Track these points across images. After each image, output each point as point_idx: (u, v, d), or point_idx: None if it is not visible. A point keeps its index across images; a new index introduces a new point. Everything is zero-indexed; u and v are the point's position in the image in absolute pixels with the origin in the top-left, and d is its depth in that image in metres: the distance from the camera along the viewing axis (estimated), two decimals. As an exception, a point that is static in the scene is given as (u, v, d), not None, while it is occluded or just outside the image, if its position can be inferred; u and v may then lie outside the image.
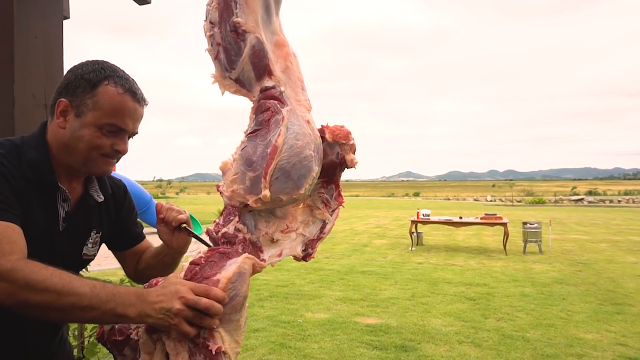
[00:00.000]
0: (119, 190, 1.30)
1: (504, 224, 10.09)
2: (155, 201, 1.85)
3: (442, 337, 4.51)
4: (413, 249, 10.69)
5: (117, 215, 1.29)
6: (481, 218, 10.72)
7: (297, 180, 1.00)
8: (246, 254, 1.01)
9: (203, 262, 0.98)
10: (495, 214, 10.84)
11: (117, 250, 1.34)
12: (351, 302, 5.86)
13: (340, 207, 1.16)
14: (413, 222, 10.89)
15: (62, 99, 1.07)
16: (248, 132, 1.04)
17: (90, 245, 1.20)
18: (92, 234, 1.20)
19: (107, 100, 1.05)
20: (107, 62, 1.11)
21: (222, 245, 1.07)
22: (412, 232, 10.93)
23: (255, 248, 1.06)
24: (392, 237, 13.28)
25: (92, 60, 1.11)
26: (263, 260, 1.05)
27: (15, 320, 1.04)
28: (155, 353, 0.97)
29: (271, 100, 1.02)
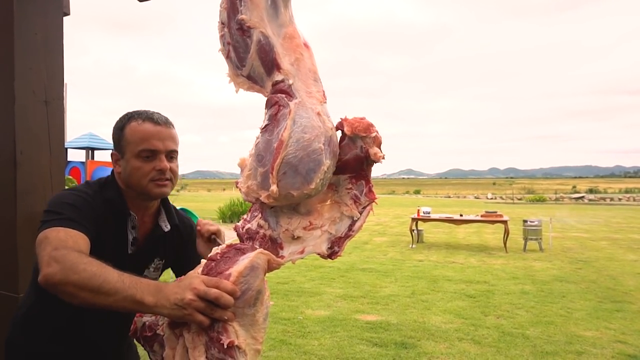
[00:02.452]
0: (186, 226, 1.45)
1: (505, 222, 10.08)
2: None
3: (442, 334, 4.52)
4: (413, 246, 10.69)
5: (182, 248, 1.42)
6: (482, 216, 10.71)
7: (306, 174, 0.98)
8: (260, 249, 1.01)
9: (219, 257, 1.00)
10: (496, 212, 10.84)
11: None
12: (351, 299, 5.87)
13: (373, 204, 1.10)
14: (413, 219, 10.89)
15: (112, 152, 1.32)
16: (261, 127, 1.04)
17: (152, 270, 1.38)
18: (155, 260, 1.38)
19: (133, 133, 1.25)
20: (136, 110, 1.31)
21: (242, 242, 1.08)
22: (413, 230, 10.93)
23: (274, 244, 1.06)
24: (392, 235, 13.28)
25: (125, 114, 1.31)
26: (282, 256, 1.05)
27: (87, 323, 1.27)
28: (177, 348, 0.99)
29: (279, 94, 1.01)
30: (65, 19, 2.09)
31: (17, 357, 1.30)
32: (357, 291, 6.25)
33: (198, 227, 1.33)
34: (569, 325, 4.85)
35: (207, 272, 0.99)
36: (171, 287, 0.95)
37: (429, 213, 10.93)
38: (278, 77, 1.02)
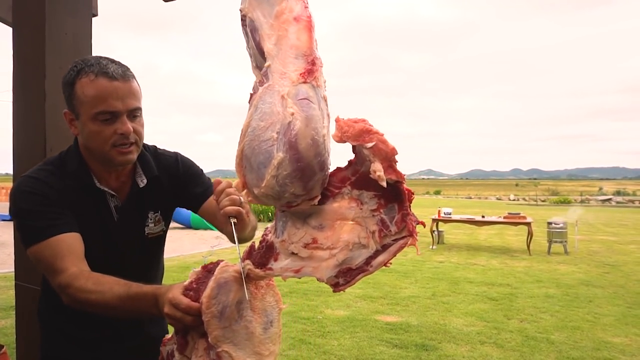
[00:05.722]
0: (169, 164, 1.33)
1: (528, 224, 9.87)
2: None
3: (464, 337, 4.45)
4: (434, 247, 10.57)
5: (175, 186, 1.33)
6: (504, 217, 10.51)
7: (258, 169, 0.83)
8: (222, 263, 0.94)
9: (194, 286, 0.93)
10: (519, 213, 10.62)
11: (193, 210, 1.38)
12: (371, 299, 5.83)
13: (413, 238, 0.85)
14: (434, 220, 10.77)
15: (65, 111, 1.17)
16: None
17: (152, 225, 1.30)
18: (149, 215, 1.29)
19: (85, 92, 1.09)
20: (84, 57, 1.15)
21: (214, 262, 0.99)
22: (433, 231, 10.81)
23: (269, 253, 0.93)
24: (412, 236, 13.15)
25: (74, 62, 1.15)
26: (269, 268, 0.91)
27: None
28: None
29: (255, 80, 0.91)
30: (93, 19, 2.14)
31: (47, 333, 1.32)
32: (377, 292, 6.22)
33: (214, 197, 1.08)
34: (596, 331, 4.71)
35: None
36: (160, 302, 0.95)
37: (449, 214, 10.79)
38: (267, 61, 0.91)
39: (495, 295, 6.15)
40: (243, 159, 0.85)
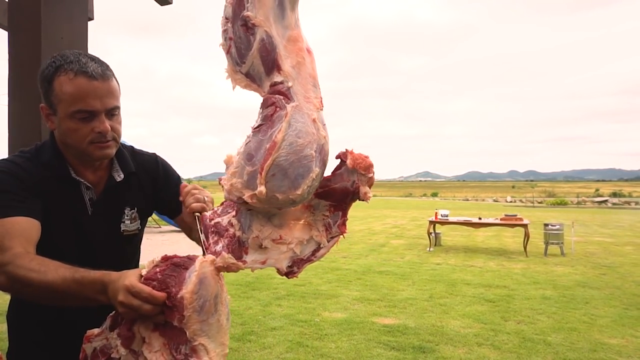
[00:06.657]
0: (149, 164, 1.35)
1: (525, 225, 9.90)
2: None
3: (461, 339, 4.46)
4: (431, 249, 10.58)
5: (154, 186, 1.34)
6: (501, 219, 10.54)
7: (295, 179, 0.97)
8: (200, 257, 0.98)
9: (159, 277, 0.94)
10: (516, 215, 10.65)
11: (170, 217, 1.37)
12: (368, 302, 5.83)
13: (341, 237, 1.11)
14: (431, 222, 10.78)
15: (41, 105, 1.18)
16: (254, 127, 1.03)
17: (128, 222, 1.30)
18: (126, 211, 1.29)
19: (63, 90, 1.10)
20: (63, 53, 1.15)
21: (177, 256, 1.00)
22: (430, 233, 10.83)
23: (240, 247, 1.05)
24: (409, 238, 13.18)
25: (51, 57, 1.16)
26: (244, 261, 1.03)
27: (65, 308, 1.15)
28: None
29: (277, 95, 0.99)
30: (89, 23, 2.14)
31: (11, 342, 1.27)
32: (374, 294, 6.22)
33: (180, 198, 1.17)
34: (592, 332, 4.73)
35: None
36: (111, 288, 0.91)
37: (447, 216, 10.81)
38: (277, 78, 1.00)
39: (492, 297, 6.16)
40: (273, 168, 0.96)
